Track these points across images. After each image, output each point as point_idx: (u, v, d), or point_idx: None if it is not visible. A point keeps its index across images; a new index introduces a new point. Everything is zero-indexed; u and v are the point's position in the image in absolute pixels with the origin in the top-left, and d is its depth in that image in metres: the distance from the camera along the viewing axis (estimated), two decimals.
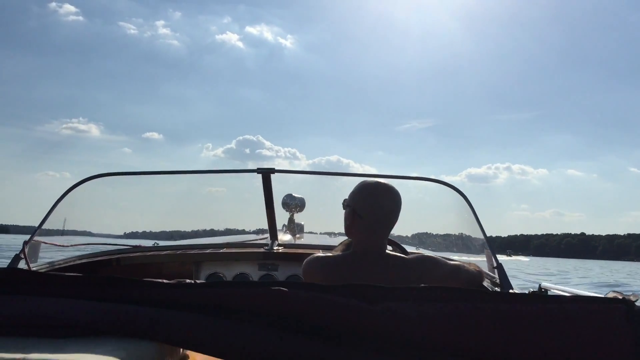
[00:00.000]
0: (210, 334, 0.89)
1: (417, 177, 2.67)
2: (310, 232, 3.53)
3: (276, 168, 2.55)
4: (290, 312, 0.90)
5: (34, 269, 2.24)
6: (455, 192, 2.50)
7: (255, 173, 2.55)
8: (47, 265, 2.45)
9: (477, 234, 2.45)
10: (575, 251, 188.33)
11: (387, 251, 1.75)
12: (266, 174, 2.55)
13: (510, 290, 2.03)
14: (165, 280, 0.98)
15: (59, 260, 2.56)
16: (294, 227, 3.37)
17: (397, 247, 2.10)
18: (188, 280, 1.03)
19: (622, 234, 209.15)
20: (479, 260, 2.37)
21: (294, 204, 3.27)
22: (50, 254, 2.49)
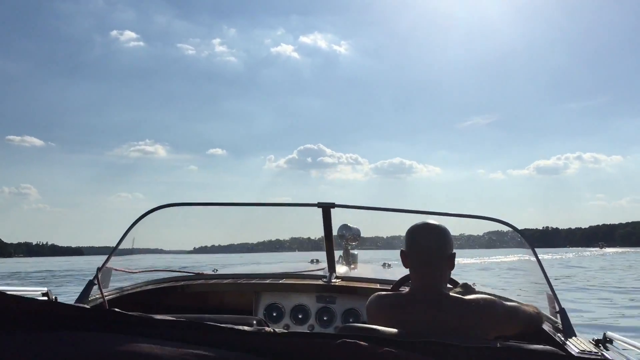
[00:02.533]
0: None
1: (474, 216, 2.66)
2: (364, 262, 3.58)
3: (336, 203, 2.64)
4: None
5: (106, 294, 2.43)
6: (513, 230, 2.47)
7: (316, 207, 2.64)
8: (118, 291, 2.64)
9: (539, 275, 2.40)
10: None
11: (444, 291, 1.78)
12: (326, 209, 2.62)
13: (574, 338, 2.02)
14: (247, 328, 1.03)
15: (128, 286, 2.75)
16: (349, 258, 3.45)
17: (452, 283, 2.12)
18: (268, 328, 1.07)
19: None
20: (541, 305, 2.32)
21: (349, 235, 3.32)
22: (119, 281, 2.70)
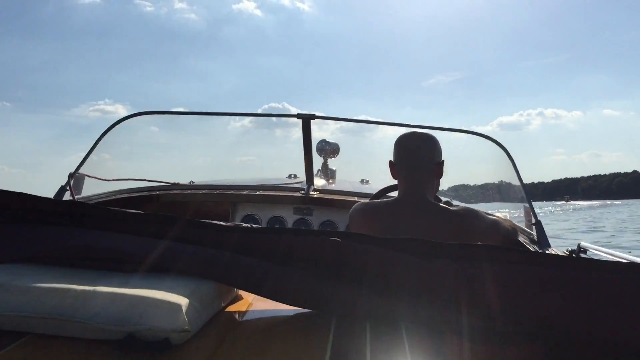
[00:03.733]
0: (264, 277, 0.95)
1: (456, 129, 2.64)
2: (343, 180, 3.56)
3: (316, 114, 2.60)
4: (343, 262, 0.94)
5: (78, 200, 2.36)
6: (496, 145, 2.50)
7: (297, 118, 2.63)
8: (90, 198, 2.58)
9: (517, 189, 2.44)
10: (629, 191, 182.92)
11: (430, 200, 1.77)
12: (306, 120, 2.61)
13: (549, 248, 2.07)
14: (223, 223, 1.03)
15: (100, 194, 2.70)
16: (327, 172, 3.49)
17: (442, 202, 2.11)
18: (245, 225, 1.07)
19: None
20: (516, 217, 2.37)
21: (329, 149, 3.36)
22: (91, 189, 2.61)
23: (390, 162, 1.83)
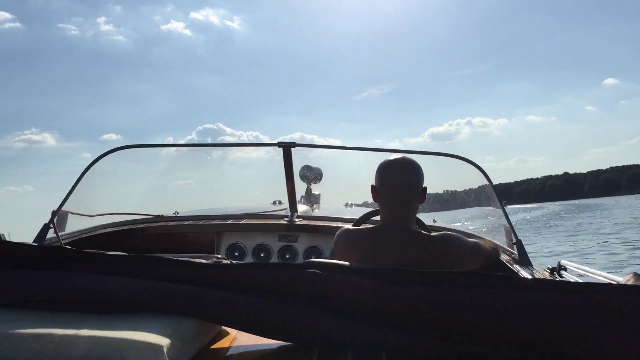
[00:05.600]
0: (245, 312, 0.99)
1: (432, 152, 2.72)
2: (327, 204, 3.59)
3: (297, 146, 2.71)
4: (322, 293, 0.98)
5: (62, 237, 2.39)
6: (473, 167, 2.62)
7: (277, 147, 2.70)
8: (75, 234, 2.62)
9: (496, 208, 2.58)
10: (561, 192, 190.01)
11: (412, 227, 1.80)
12: (287, 148, 2.69)
13: (530, 267, 2.14)
14: (203, 261, 1.06)
15: (85, 229, 2.73)
16: (311, 199, 3.52)
17: (420, 226, 2.14)
18: (225, 261, 1.10)
19: (604, 168, 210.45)
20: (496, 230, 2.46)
21: (312, 175, 3.40)
22: (74, 225, 2.61)
23: (373, 186, 1.84)
